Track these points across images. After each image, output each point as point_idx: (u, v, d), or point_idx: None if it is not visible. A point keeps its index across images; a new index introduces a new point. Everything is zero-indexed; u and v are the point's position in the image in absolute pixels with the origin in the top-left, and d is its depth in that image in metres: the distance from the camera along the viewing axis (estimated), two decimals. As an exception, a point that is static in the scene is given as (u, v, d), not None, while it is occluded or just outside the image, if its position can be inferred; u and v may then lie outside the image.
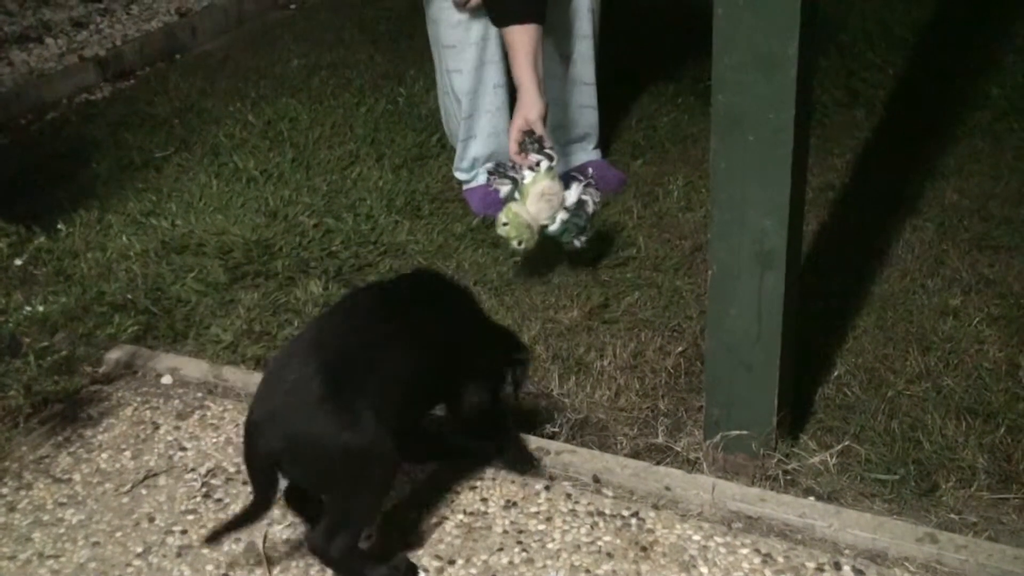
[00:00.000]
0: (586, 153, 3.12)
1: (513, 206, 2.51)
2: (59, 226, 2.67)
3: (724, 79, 1.72)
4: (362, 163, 3.39)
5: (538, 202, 2.48)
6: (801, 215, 1.88)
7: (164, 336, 2.56)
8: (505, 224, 2.49)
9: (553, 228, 2.52)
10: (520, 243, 2.51)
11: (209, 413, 2.27)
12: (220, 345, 2.49)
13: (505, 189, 2.56)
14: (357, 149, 3.50)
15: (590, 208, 2.55)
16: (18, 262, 2.40)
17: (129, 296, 2.67)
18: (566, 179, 2.58)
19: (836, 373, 2.18)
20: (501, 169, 2.59)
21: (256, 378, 2.31)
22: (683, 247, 2.72)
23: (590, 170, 2.67)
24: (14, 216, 2.43)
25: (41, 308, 2.31)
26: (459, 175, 3.09)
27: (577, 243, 2.58)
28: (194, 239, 2.95)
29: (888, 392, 2.11)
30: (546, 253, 2.65)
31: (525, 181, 2.51)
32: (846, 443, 1.96)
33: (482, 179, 2.97)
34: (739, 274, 1.83)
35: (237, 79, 4.36)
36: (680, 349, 2.31)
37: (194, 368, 2.42)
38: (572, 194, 2.53)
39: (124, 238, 3.00)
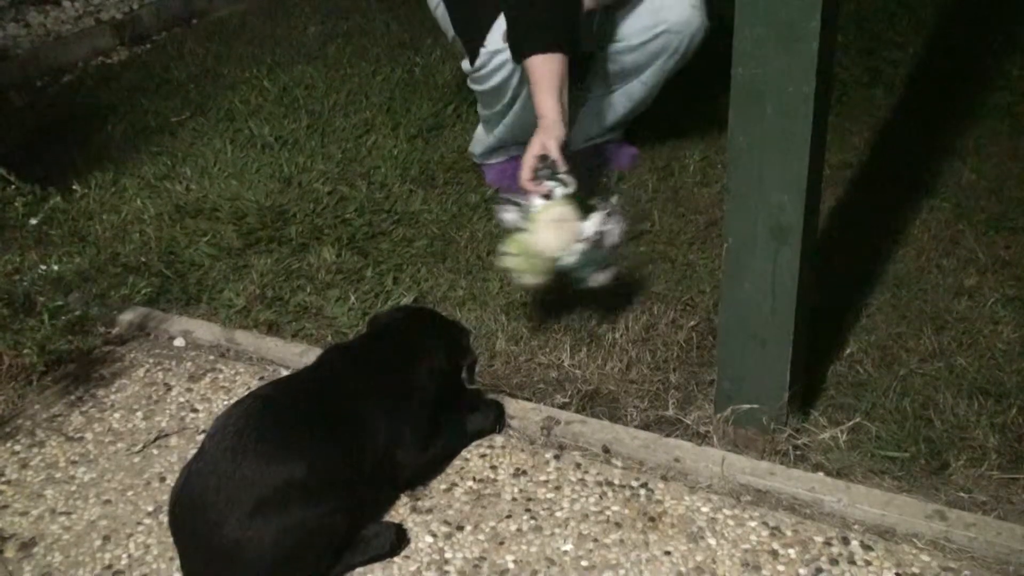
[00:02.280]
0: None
1: (519, 236, 2.18)
2: (74, 187, 2.67)
3: (745, 51, 1.70)
4: (377, 131, 3.38)
5: (548, 231, 2.15)
6: (818, 191, 1.86)
7: (177, 299, 2.57)
8: (513, 256, 2.18)
9: (568, 261, 2.16)
10: (528, 277, 2.19)
11: (221, 376, 2.28)
12: (233, 309, 2.50)
13: (510, 217, 2.24)
14: (372, 117, 3.49)
15: (612, 240, 2.20)
16: (33, 221, 2.40)
17: (143, 259, 2.68)
18: (586, 207, 2.22)
19: (849, 350, 2.18)
20: (507, 196, 2.30)
21: (268, 342, 2.33)
22: (698, 222, 2.71)
23: (615, 197, 2.33)
24: (29, 176, 2.42)
25: (56, 267, 2.32)
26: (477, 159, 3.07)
27: (592, 282, 2.22)
28: (208, 204, 2.96)
29: (900, 370, 2.10)
30: (562, 290, 2.37)
31: (535, 209, 2.20)
32: (857, 420, 1.95)
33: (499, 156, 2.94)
34: (754, 249, 1.82)
35: (253, 45, 4.36)
36: (693, 323, 2.30)
37: (206, 331, 2.42)
38: (591, 225, 2.16)
39: (139, 201, 3.01)
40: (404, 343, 1.94)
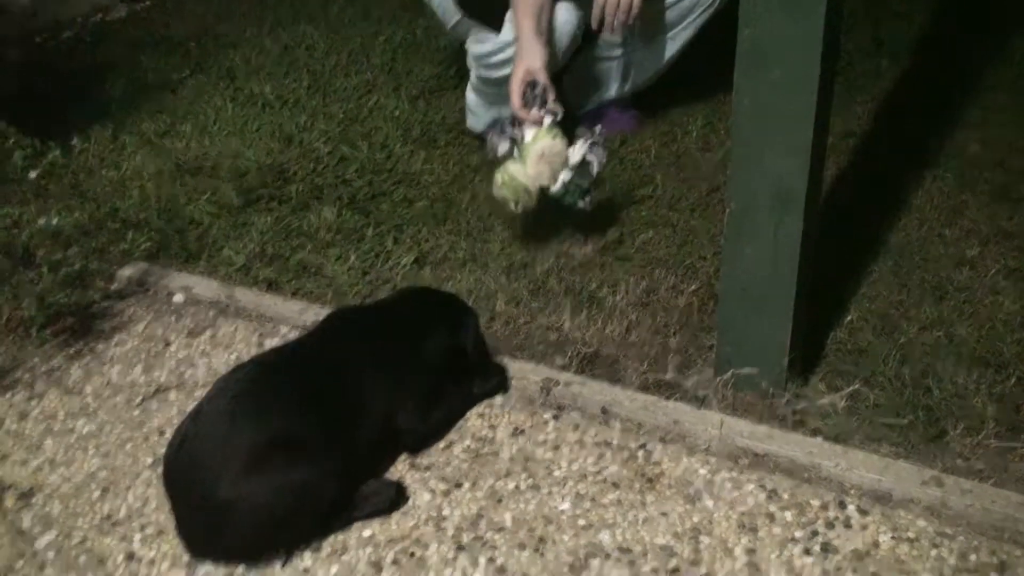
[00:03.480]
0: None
1: (510, 166, 2.38)
2: (73, 142, 2.66)
3: (751, 13, 1.68)
4: (379, 92, 3.37)
5: (538, 163, 2.35)
6: (823, 157, 1.86)
7: (177, 256, 2.57)
8: (501, 185, 2.38)
9: (554, 189, 2.39)
10: (517, 205, 2.39)
11: (220, 332, 2.28)
12: (232, 267, 2.49)
13: (503, 147, 2.42)
14: (374, 78, 3.48)
15: (595, 169, 2.41)
16: (32, 175, 2.39)
17: (142, 215, 2.67)
18: (571, 135, 2.43)
19: (849, 318, 2.17)
20: (500, 127, 2.45)
21: (268, 300, 2.33)
22: (700, 187, 2.70)
23: (598, 127, 2.48)
24: (28, 131, 2.41)
25: (55, 221, 2.31)
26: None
27: (580, 204, 2.44)
28: (208, 161, 2.95)
29: (900, 339, 2.10)
30: (548, 214, 2.53)
31: (526, 140, 2.38)
32: (856, 386, 1.96)
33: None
34: (757, 214, 1.81)
35: (254, 4, 4.33)
36: (693, 288, 2.30)
37: (206, 288, 2.42)
38: (576, 153, 2.38)
39: (138, 157, 3.00)
40: (412, 315, 1.95)
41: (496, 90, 2.78)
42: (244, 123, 3.20)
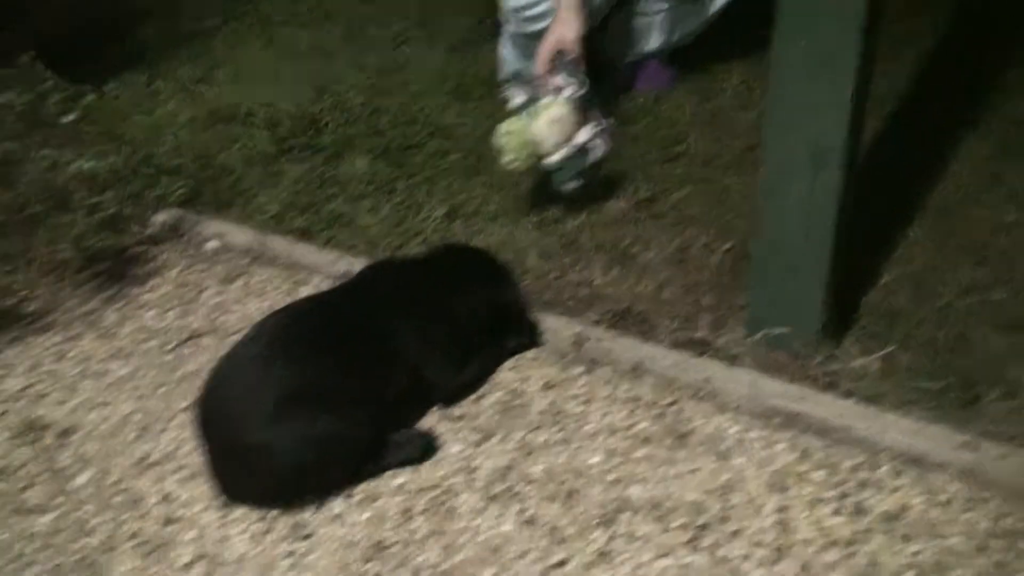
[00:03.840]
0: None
1: (520, 120, 2.32)
2: (109, 87, 2.66)
3: (795, -31, 1.67)
4: (412, 43, 3.35)
5: (548, 127, 2.29)
6: (862, 116, 1.83)
7: (210, 203, 2.58)
8: (504, 134, 2.32)
9: (551, 160, 2.32)
10: (513, 161, 2.33)
11: (253, 280, 2.29)
12: (266, 215, 2.50)
13: (519, 100, 2.38)
14: (408, 29, 3.46)
15: (594, 156, 2.35)
16: (68, 119, 2.39)
17: (177, 161, 2.67)
18: (587, 114, 2.36)
19: (884, 280, 2.16)
20: (523, 79, 2.42)
21: (301, 249, 2.34)
22: (735, 146, 2.68)
23: (611, 119, 2.43)
24: (65, 74, 2.41)
25: (91, 165, 2.32)
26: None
27: (568, 186, 2.36)
28: (242, 109, 2.95)
29: (936, 302, 2.08)
30: (584, 208, 2.44)
31: (542, 101, 2.33)
32: (890, 349, 1.94)
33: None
34: (792, 172, 1.79)
35: (289, -48, 4.29)
36: (727, 246, 2.29)
37: (240, 235, 2.43)
38: (582, 134, 2.32)
39: (172, 104, 3.01)
40: (450, 271, 1.95)
41: (532, 43, 2.75)
42: (278, 72, 3.20)
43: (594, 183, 2.42)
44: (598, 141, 2.34)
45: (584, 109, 2.35)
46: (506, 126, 2.33)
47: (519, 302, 2.03)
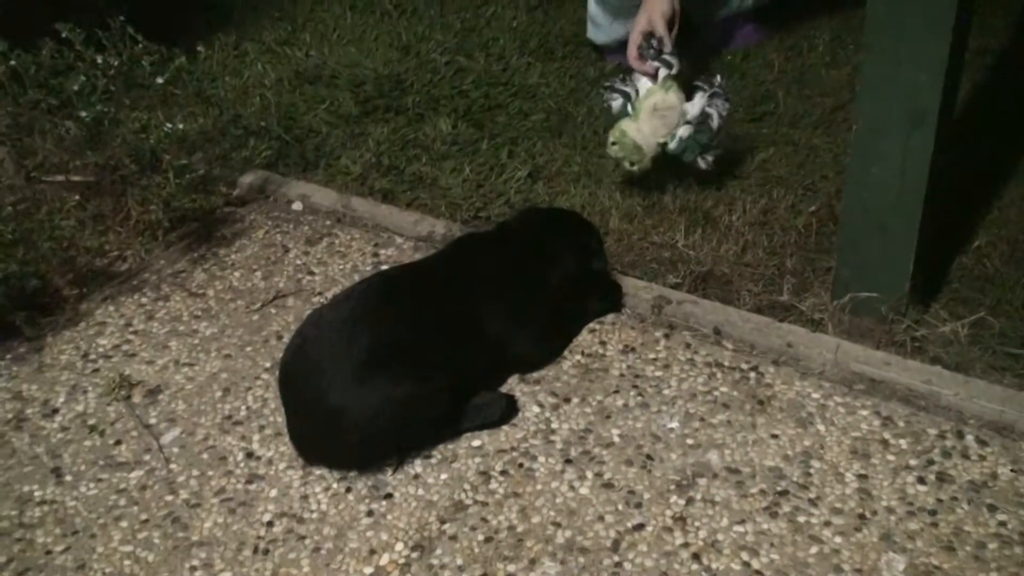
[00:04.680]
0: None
1: (623, 124, 2.27)
2: (199, 48, 2.70)
3: (890, -79, 1.61)
4: (496, 2, 3.33)
5: (651, 118, 2.24)
6: (959, 73, 1.77)
7: (295, 164, 2.61)
8: (614, 144, 2.28)
9: (672, 146, 2.25)
10: (632, 164, 2.28)
11: (337, 241, 2.32)
12: (349, 176, 2.52)
13: (616, 104, 2.32)
14: (492, -13, 3.43)
15: (715, 122, 2.26)
16: (159, 81, 2.43)
17: (263, 122, 2.71)
18: (691, 88, 2.29)
19: (976, 243, 2.10)
20: (613, 83, 2.35)
21: (384, 210, 2.36)
22: (824, 104, 2.62)
23: (718, 77, 2.32)
24: (156, 37, 2.45)
25: (180, 126, 2.36)
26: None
27: (701, 163, 2.29)
28: (327, 70, 2.97)
29: (1030, 267, 2.02)
30: (667, 172, 2.37)
31: (640, 95, 2.29)
32: (981, 315, 1.89)
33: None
34: (886, 131, 1.74)
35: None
36: (813, 208, 2.24)
37: (323, 196, 2.46)
38: (694, 107, 2.25)
39: (259, 65, 3.04)
40: (539, 241, 1.94)
41: (620, 2, 2.71)
42: (362, 32, 3.21)
43: (720, 150, 2.33)
44: (713, 107, 2.26)
45: (685, 83, 2.30)
46: (613, 135, 2.28)
47: (606, 259, 2.02)
